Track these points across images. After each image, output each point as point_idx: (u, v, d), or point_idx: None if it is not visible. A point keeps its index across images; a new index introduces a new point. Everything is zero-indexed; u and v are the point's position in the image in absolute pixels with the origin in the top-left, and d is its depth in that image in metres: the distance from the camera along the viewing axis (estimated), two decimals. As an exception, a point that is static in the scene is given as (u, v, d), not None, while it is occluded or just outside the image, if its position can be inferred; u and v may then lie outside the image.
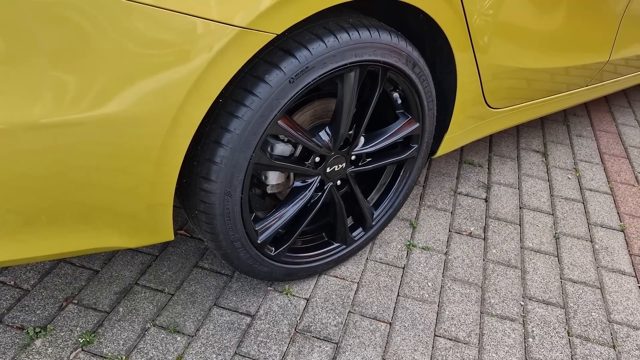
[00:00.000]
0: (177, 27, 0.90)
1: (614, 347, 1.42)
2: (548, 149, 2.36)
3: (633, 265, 1.72)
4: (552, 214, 1.93)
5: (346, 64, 1.19)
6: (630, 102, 2.92)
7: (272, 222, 1.32)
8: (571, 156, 2.32)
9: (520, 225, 1.85)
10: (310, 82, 1.15)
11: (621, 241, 1.83)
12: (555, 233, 1.83)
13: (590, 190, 2.10)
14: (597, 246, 1.79)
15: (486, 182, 2.06)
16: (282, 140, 1.28)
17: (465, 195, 1.98)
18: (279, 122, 1.16)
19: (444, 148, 1.68)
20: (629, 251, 1.78)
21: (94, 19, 0.84)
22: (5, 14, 0.78)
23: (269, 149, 1.26)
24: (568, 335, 1.44)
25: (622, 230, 1.88)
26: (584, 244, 1.79)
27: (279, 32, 1.02)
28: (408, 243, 1.70)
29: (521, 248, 1.74)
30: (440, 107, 1.58)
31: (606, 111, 2.78)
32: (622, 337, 1.45)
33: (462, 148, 2.25)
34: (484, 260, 1.67)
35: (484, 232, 1.80)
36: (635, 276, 1.68)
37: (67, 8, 0.81)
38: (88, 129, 0.90)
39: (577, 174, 2.19)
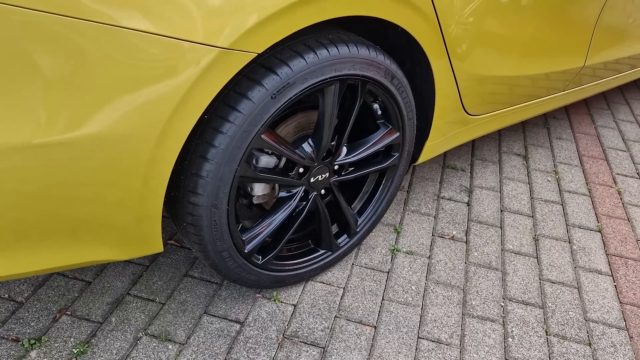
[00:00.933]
0: (163, 50, 0.94)
1: (589, 344, 1.47)
2: (529, 152, 2.42)
3: (609, 265, 1.78)
4: (532, 216, 1.98)
5: (326, 79, 1.23)
6: (609, 104, 2.98)
7: (259, 232, 1.36)
8: (551, 159, 2.38)
9: (501, 228, 1.90)
10: (291, 97, 1.19)
11: (598, 241, 1.88)
12: (535, 235, 1.88)
13: (569, 192, 2.15)
14: (575, 247, 1.84)
15: (468, 186, 2.11)
16: (267, 153, 1.32)
17: (448, 199, 2.03)
18: (262, 136, 1.20)
19: (425, 155, 1.72)
20: (605, 251, 1.84)
21: (82, 43, 0.87)
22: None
23: (253, 161, 1.30)
24: (546, 335, 1.49)
25: (599, 231, 1.94)
26: (562, 245, 1.84)
27: (260, 52, 1.06)
28: (392, 248, 1.74)
29: (502, 250, 1.79)
30: (421, 116, 1.63)
31: (586, 113, 2.85)
32: (597, 335, 1.50)
33: (445, 153, 2.30)
34: (465, 263, 1.72)
35: (466, 236, 1.84)
36: (612, 275, 1.73)
37: (54, 32, 0.85)
38: (78, 148, 0.94)
39: (557, 176, 2.25)
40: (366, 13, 1.22)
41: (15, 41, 0.82)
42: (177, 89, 0.98)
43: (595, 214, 2.03)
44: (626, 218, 2.02)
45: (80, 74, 0.89)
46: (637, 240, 1.90)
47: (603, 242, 1.89)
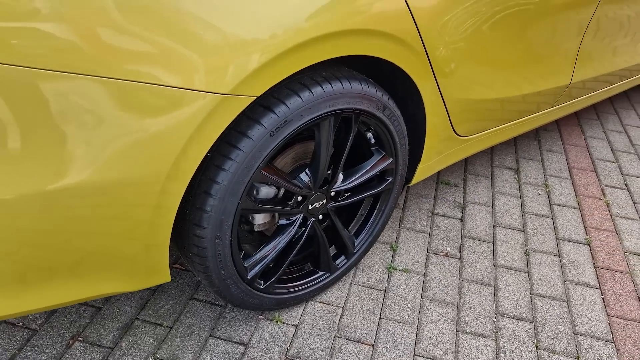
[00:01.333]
0: (168, 99, 1.01)
1: (578, 357, 1.54)
2: (520, 165, 2.49)
3: (597, 278, 1.85)
4: (523, 231, 2.05)
5: (321, 114, 1.29)
6: (598, 115, 3.05)
7: (260, 259, 1.43)
8: (542, 172, 2.45)
9: (493, 243, 1.97)
10: (289, 133, 1.25)
11: (587, 254, 1.95)
12: (526, 249, 1.95)
13: (559, 205, 2.22)
14: (564, 260, 1.91)
15: (462, 202, 2.18)
16: (267, 184, 1.39)
17: (442, 215, 2.10)
18: (262, 170, 1.26)
19: (419, 177, 1.79)
20: (594, 264, 1.91)
21: (93, 98, 0.94)
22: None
23: (254, 192, 1.37)
24: (536, 349, 1.56)
25: (588, 244, 2.01)
26: (552, 259, 1.91)
27: (259, 95, 1.13)
28: (389, 266, 1.81)
29: (494, 266, 1.86)
30: (413, 140, 1.70)
31: (575, 125, 2.92)
32: (585, 348, 1.57)
33: (438, 169, 2.37)
34: (459, 279, 1.79)
35: (460, 252, 1.91)
36: (600, 288, 1.80)
37: (66, 88, 0.91)
38: (90, 192, 1.01)
39: (547, 190, 2.32)
40: (360, 53, 1.28)
41: (30, 98, 0.88)
42: (182, 134, 1.05)
43: (584, 226, 2.10)
44: (614, 230, 2.09)
45: (92, 126, 0.96)
46: (624, 253, 1.97)
47: (591, 255, 1.96)
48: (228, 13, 1.03)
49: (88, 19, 0.89)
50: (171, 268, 1.69)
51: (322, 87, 1.28)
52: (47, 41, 0.86)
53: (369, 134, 1.54)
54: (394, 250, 1.88)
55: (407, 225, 2.02)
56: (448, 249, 1.92)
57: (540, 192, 2.30)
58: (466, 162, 2.46)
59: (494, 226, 2.06)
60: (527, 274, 1.84)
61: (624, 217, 2.18)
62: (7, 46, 0.84)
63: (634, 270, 1.89)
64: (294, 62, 1.15)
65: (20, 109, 0.89)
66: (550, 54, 1.93)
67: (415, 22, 1.35)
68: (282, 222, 1.47)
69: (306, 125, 1.28)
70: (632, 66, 2.51)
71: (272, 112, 1.21)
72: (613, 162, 2.58)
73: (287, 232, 1.47)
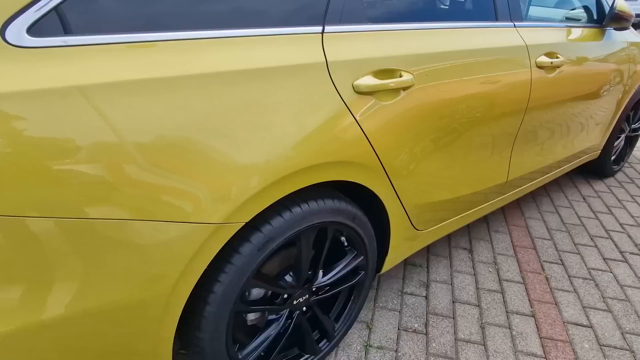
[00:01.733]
0: (168, 233, 0.99)
1: None
2: (473, 245, 2.46)
3: (543, 348, 1.78)
4: (478, 306, 2.00)
5: (301, 229, 1.29)
6: (534, 197, 3.07)
7: (253, 349, 1.37)
8: (491, 250, 2.43)
9: (453, 318, 1.91)
10: (274, 247, 1.24)
11: (532, 326, 1.89)
12: (482, 323, 1.89)
13: (507, 280, 2.18)
14: (514, 332, 1.85)
15: (426, 281, 2.14)
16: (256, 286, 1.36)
17: (410, 294, 2.05)
18: (252, 279, 1.24)
19: (387, 266, 1.77)
20: (539, 334, 1.85)
21: (99, 236, 0.92)
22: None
23: (246, 295, 1.33)
24: (494, 420, 1.47)
25: (533, 316, 1.95)
26: (504, 331, 1.85)
27: (247, 220, 1.12)
28: (365, 344, 1.74)
29: (455, 340, 1.79)
30: (381, 237, 1.68)
31: (517, 207, 2.93)
32: (536, 418, 1.49)
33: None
34: (426, 354, 1.72)
35: (426, 328, 1.85)
36: (545, 357, 1.73)
37: (75, 230, 0.89)
38: (95, 316, 0.97)
39: (496, 267, 2.28)
40: (329, 179, 1.29)
41: (39, 241, 0.86)
42: (181, 260, 1.03)
43: (529, 300, 2.06)
44: (554, 302, 2.04)
45: (99, 261, 0.94)
46: (564, 323, 1.92)
47: (536, 326, 1.90)
48: (224, 161, 1.04)
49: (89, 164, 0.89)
50: (178, 353, 1.61)
51: (300, 207, 1.28)
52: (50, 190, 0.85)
53: (343, 238, 1.52)
54: (370, 329, 1.82)
55: (381, 304, 1.97)
56: (416, 325, 1.86)
57: (490, 270, 2.26)
58: (428, 245, 2.43)
59: (453, 302, 2.01)
60: (483, 347, 1.77)
61: (562, 290, 2.13)
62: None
63: (573, 339, 1.83)
64: (273, 193, 1.16)
65: (34, 250, 0.87)
66: (488, 160, 1.96)
67: (374, 150, 1.37)
68: (271, 317, 1.42)
69: (288, 238, 1.27)
70: (557, 161, 2.56)
71: (258, 230, 1.21)
72: (549, 239, 2.57)
73: (275, 325, 1.42)
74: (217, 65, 1.03)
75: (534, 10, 2.74)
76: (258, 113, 1.08)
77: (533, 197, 3.08)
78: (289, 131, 1.14)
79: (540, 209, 2.92)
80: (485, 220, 2.74)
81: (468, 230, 2.61)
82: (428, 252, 2.37)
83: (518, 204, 2.96)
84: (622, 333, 1.87)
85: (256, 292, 1.35)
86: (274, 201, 1.16)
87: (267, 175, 1.10)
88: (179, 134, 0.96)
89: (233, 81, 1.04)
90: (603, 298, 2.08)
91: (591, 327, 1.90)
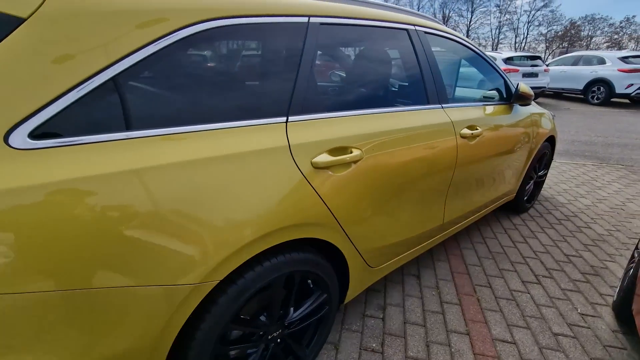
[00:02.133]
0: (151, 296, 0.90)
1: None
2: (421, 272, 2.37)
3: (476, 363, 1.66)
4: (424, 326, 1.88)
5: (270, 279, 1.19)
6: (467, 230, 3.00)
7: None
8: (434, 276, 2.33)
9: (404, 337, 1.80)
10: (247, 296, 1.14)
11: (467, 343, 1.78)
12: (427, 341, 1.78)
13: (447, 302, 2.08)
14: (453, 349, 1.74)
15: (383, 304, 2.03)
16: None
17: (370, 316, 1.93)
18: (230, 324, 1.13)
19: (349, 298, 1.67)
20: (473, 351, 1.73)
21: (92, 304, 0.82)
22: None
23: (226, 335, 1.22)
24: None
25: (468, 334, 1.84)
26: (445, 349, 1.73)
27: (222, 278, 1.03)
28: (332, 364, 1.61)
29: (405, 357, 1.67)
30: (342, 275, 1.58)
31: (454, 239, 2.85)
32: None
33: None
34: (381, 372, 1.59)
35: (382, 347, 1.73)
36: (478, 372, 1.62)
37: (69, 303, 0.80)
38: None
39: (438, 291, 2.18)
40: (300, 237, 1.21)
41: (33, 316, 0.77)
42: (164, 316, 0.93)
43: (464, 319, 1.95)
44: (484, 321, 1.94)
45: (95, 330, 0.83)
46: (492, 340, 1.81)
47: (471, 343, 1.78)
48: (201, 231, 0.96)
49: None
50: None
51: (270, 261, 1.19)
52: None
53: (309, 280, 1.43)
54: (337, 349, 1.69)
55: (346, 326, 1.84)
56: (374, 345, 1.74)
57: (434, 293, 2.16)
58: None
59: (405, 323, 1.90)
60: (428, 363, 1.65)
61: (490, 310, 2.03)
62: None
63: (500, 355, 1.72)
64: (244, 255, 1.07)
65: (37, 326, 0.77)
66: (427, 209, 1.91)
67: (331, 212, 1.30)
68: (250, 351, 1.30)
69: (261, 287, 1.17)
70: (483, 204, 2.51)
71: (233, 283, 1.11)
72: (479, 265, 2.48)
73: (254, 355, 1.29)
74: (198, 153, 0.97)
75: (460, 91, 2.77)
76: (232, 189, 1.01)
77: (466, 230, 3.01)
78: (258, 202, 1.07)
79: (472, 240, 2.85)
80: (430, 251, 2.65)
81: (417, 260, 2.51)
82: (385, 279, 2.26)
83: (455, 237, 2.89)
84: (540, 348, 1.76)
85: (235, 333, 1.23)
86: (244, 261, 1.08)
87: (239, 240, 1.02)
88: (160, 210, 0.88)
89: (211, 164, 0.98)
90: (523, 316, 1.98)
91: (514, 343, 1.79)
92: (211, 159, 0.98)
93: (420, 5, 39.18)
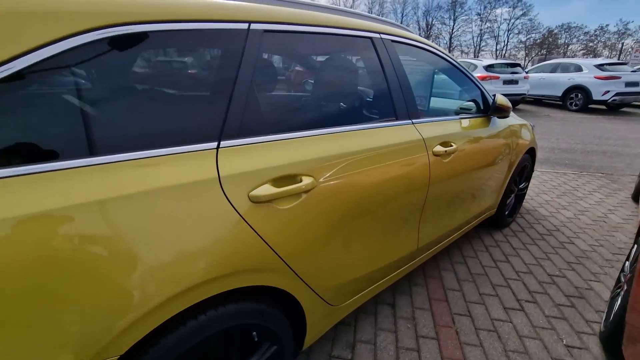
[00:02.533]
0: None
1: None
2: (396, 300, 2.18)
3: (453, 413, 1.48)
4: (397, 367, 1.69)
5: (218, 330, 0.98)
6: (448, 249, 2.84)
7: None
8: (411, 305, 2.15)
9: (374, 383, 1.60)
10: (188, 350, 0.92)
11: (444, 387, 1.60)
12: (399, 387, 1.58)
13: (423, 337, 1.90)
14: (428, 396, 1.55)
15: (352, 342, 1.83)
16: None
17: (337, 357, 1.73)
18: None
19: (307, 343, 1.46)
20: (450, 397, 1.55)
21: None
22: None
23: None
24: None
25: (445, 376, 1.66)
26: (418, 396, 1.54)
27: (122, 353, 0.82)
28: (289, 422, 1.39)
29: (374, 409, 1.47)
30: (298, 320, 1.38)
31: (433, 260, 2.68)
32: None
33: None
34: None
35: (348, 396, 1.52)
36: None
37: None
38: None
39: (414, 322, 2.00)
40: (237, 286, 1.02)
41: None
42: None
43: (441, 357, 1.76)
44: (463, 358, 1.76)
45: None
46: (471, 381, 1.63)
47: (448, 387, 1.60)
48: (125, 282, 0.76)
49: None
50: None
51: (216, 310, 0.98)
52: None
53: (254, 333, 1.21)
54: (296, 402, 1.48)
55: (310, 371, 1.64)
56: (339, 394, 1.53)
57: (409, 325, 1.97)
58: (357, 301, 2.13)
59: (375, 364, 1.70)
60: (399, 416, 1.45)
61: (470, 344, 1.86)
62: None
63: (480, 401, 1.54)
64: (177, 306, 0.87)
65: None
66: (398, 233, 1.73)
67: (276, 253, 1.10)
68: None
69: (204, 340, 0.96)
70: (463, 222, 2.36)
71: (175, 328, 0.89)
72: (459, 290, 2.31)
73: None
74: (89, 194, 0.76)
75: (434, 104, 2.63)
76: (153, 232, 0.81)
77: (446, 249, 2.85)
78: (173, 252, 0.86)
79: (452, 260, 2.69)
80: (407, 274, 2.46)
81: (392, 285, 2.33)
82: (357, 309, 2.07)
83: (434, 257, 2.72)
84: (522, 391, 1.59)
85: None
86: (180, 310, 0.87)
87: (141, 305, 0.81)
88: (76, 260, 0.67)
89: (126, 204, 0.77)
90: (505, 352, 1.81)
91: (495, 385, 1.61)
92: (107, 200, 0.78)
93: (404, 14, 39.76)
